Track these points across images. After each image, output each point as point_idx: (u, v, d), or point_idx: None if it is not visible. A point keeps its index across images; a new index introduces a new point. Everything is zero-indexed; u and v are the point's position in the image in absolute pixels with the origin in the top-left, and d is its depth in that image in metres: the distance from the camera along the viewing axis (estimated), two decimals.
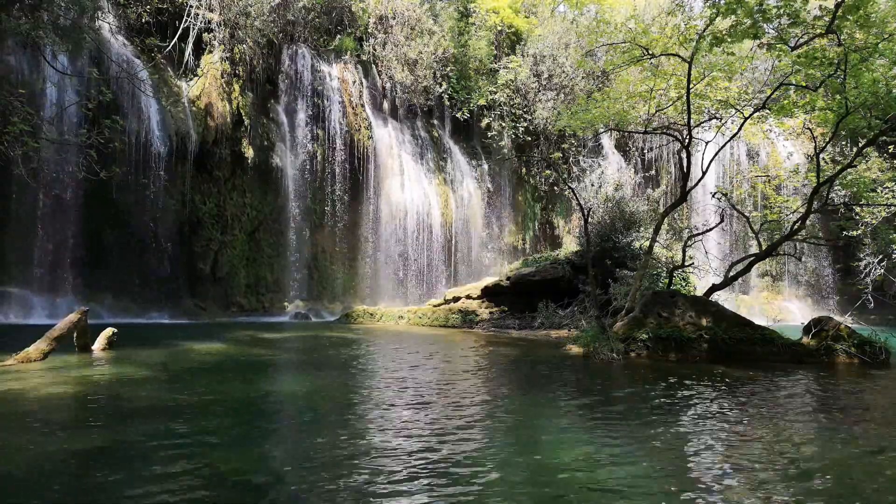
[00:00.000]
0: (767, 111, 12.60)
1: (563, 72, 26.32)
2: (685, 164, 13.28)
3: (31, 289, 16.18)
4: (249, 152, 20.64)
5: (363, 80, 24.25)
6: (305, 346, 11.87)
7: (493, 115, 26.58)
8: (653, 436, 4.91)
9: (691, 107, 12.21)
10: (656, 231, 13.23)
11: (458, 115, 26.00)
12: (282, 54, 22.46)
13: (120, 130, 15.15)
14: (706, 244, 15.49)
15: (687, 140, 12.72)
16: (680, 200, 13.77)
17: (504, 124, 26.59)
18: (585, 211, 12.86)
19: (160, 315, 17.64)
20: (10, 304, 15.60)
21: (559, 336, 14.29)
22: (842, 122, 11.31)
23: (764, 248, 13.33)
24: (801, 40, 11.05)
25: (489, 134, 26.78)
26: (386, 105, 25.09)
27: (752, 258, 13.59)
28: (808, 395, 7.24)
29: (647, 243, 13.76)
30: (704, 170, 13.17)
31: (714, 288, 12.44)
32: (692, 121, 12.41)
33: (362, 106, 23.74)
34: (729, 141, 14.06)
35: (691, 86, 11.82)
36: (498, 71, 26.67)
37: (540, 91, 26.45)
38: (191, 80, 20.01)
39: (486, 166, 27.13)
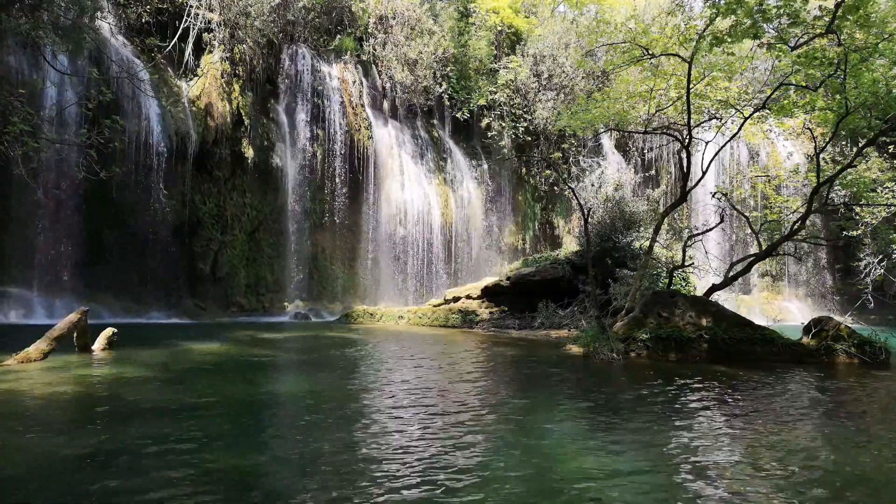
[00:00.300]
0: (767, 111, 12.59)
1: (563, 72, 26.32)
2: (685, 164, 13.27)
3: (31, 289, 16.18)
4: (249, 152, 20.64)
5: (363, 80, 24.26)
6: (305, 347, 11.87)
7: (493, 115, 26.58)
8: (654, 437, 4.90)
9: (691, 107, 12.21)
10: (656, 231, 13.23)
11: (458, 115, 26.01)
12: (282, 54, 22.46)
13: (120, 130, 15.14)
14: (706, 244, 15.49)
15: (687, 140, 12.72)
16: (680, 200, 13.77)
17: (504, 124, 26.59)
18: (585, 211, 12.86)
19: (160, 315, 17.65)
20: (10, 304, 15.60)
21: (559, 336, 14.29)
22: (842, 122, 11.30)
23: (764, 248, 13.33)
24: (801, 40, 11.05)
25: (489, 134, 26.79)
26: (386, 105, 25.09)
27: (752, 258, 13.59)
28: (808, 395, 7.24)
29: (647, 243, 13.76)
30: (704, 170, 13.17)
31: (714, 288, 12.44)
32: (692, 121, 12.41)
33: (362, 106, 23.74)
34: (729, 141, 14.05)
35: (691, 86, 11.81)
36: (498, 71, 26.67)
37: (540, 91, 26.45)
38: (191, 80, 20.01)
39: (486, 166, 27.13)
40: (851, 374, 8.85)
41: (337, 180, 22.56)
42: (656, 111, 14.45)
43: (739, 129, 13.42)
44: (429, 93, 25.18)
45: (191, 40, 19.81)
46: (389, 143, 24.20)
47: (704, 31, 10.90)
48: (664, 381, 7.70)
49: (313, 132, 22.30)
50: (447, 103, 26.19)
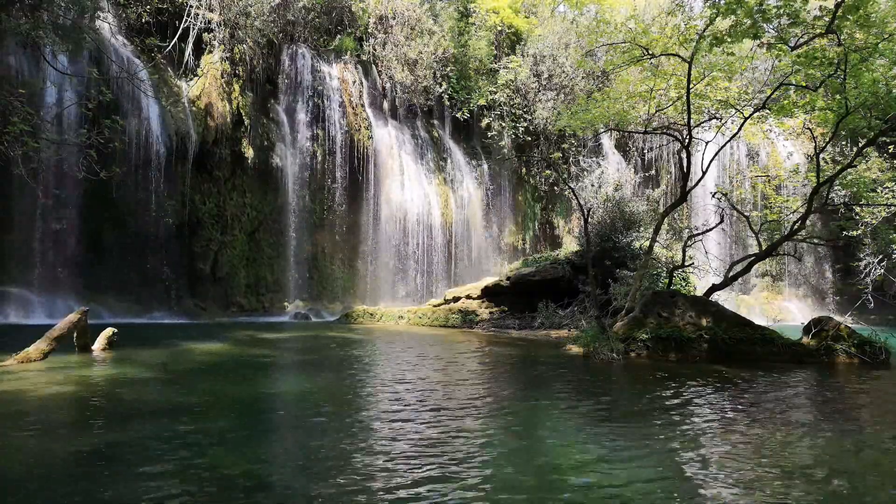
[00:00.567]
0: (767, 111, 12.59)
1: (563, 72, 26.31)
2: (685, 164, 13.27)
3: (31, 289, 16.17)
4: (249, 152, 20.64)
5: (363, 80, 24.26)
6: (305, 347, 11.87)
7: (493, 115, 26.58)
8: (655, 438, 4.90)
9: (691, 107, 12.21)
10: (656, 231, 13.23)
11: (458, 115, 25.99)
12: (282, 54, 22.46)
13: (120, 130, 15.15)
14: (706, 244, 15.48)
15: (687, 140, 12.72)
16: (680, 200, 13.77)
17: (504, 124, 26.58)
18: (585, 211, 12.86)
19: (160, 315, 17.64)
20: (10, 304, 15.60)
21: (559, 336, 14.29)
22: (842, 122, 11.30)
23: (764, 248, 13.33)
24: (801, 40, 11.05)
25: (489, 134, 26.78)
26: (386, 105, 25.09)
27: (752, 258, 13.58)
28: (808, 395, 7.24)
29: (647, 243, 13.76)
30: (704, 170, 13.17)
31: (714, 288, 12.43)
32: (692, 121, 12.41)
33: (362, 106, 23.74)
34: (729, 141, 14.05)
35: (691, 86, 11.81)
36: (498, 71, 26.66)
37: (540, 91, 26.45)
38: (191, 80, 20.01)
39: (486, 166, 27.13)
40: (851, 374, 8.85)
41: (337, 180, 22.55)
42: (656, 111, 14.45)
43: (739, 129, 13.42)
44: (429, 93, 25.18)
45: (191, 40, 19.81)
46: (389, 143, 24.20)
47: (704, 31, 10.90)
48: (664, 381, 7.69)
49: (313, 132, 22.29)
50: (447, 103, 26.18)
